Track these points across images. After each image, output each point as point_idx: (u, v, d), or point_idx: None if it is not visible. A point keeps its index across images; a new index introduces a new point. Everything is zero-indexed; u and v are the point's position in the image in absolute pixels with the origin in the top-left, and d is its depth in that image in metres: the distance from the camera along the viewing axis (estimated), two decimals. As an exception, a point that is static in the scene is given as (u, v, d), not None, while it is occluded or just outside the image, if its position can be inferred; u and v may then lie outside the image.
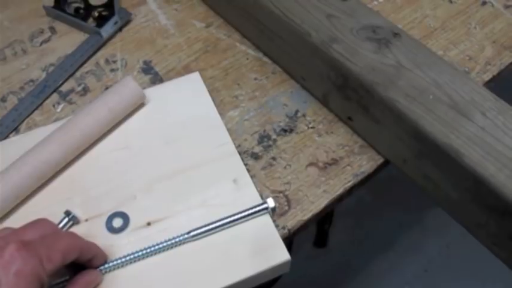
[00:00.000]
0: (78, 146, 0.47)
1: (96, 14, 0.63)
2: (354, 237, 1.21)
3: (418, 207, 1.22)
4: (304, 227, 0.49)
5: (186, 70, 0.58)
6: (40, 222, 0.40)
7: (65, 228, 0.44)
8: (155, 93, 0.52)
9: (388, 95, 0.46)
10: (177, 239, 0.43)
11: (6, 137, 0.54)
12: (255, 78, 0.58)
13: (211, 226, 0.43)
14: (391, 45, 0.50)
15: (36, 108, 0.57)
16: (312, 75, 0.54)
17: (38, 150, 0.46)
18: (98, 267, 0.42)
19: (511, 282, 1.12)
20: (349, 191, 0.51)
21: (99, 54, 0.61)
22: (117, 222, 0.45)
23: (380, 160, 0.52)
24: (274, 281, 1.07)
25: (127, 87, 0.49)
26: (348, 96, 0.51)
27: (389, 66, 0.48)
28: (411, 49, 0.49)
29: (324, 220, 1.16)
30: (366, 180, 0.51)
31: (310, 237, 1.22)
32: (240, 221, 0.44)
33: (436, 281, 1.12)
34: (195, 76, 0.53)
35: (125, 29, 0.63)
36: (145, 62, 0.60)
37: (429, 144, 0.45)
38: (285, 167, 0.51)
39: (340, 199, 0.50)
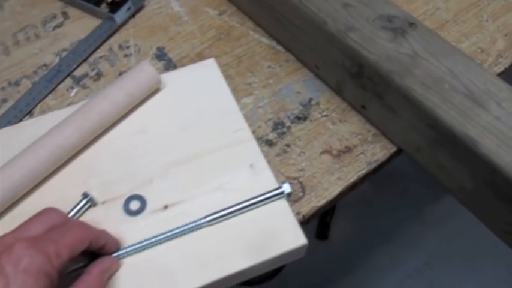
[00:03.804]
0: (95, 130, 0.47)
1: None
2: (355, 230, 1.21)
3: (419, 202, 1.22)
4: (317, 213, 0.49)
5: (200, 57, 0.58)
6: (47, 213, 0.40)
7: (82, 210, 0.45)
8: (171, 79, 0.52)
9: (405, 84, 0.47)
10: (194, 223, 0.43)
11: (20, 120, 0.55)
12: (269, 66, 0.58)
13: (228, 210, 0.44)
14: (407, 35, 0.50)
15: (50, 92, 0.57)
16: (326, 63, 0.54)
17: (54, 134, 0.46)
18: (111, 253, 0.42)
19: (510, 276, 1.13)
20: (362, 179, 0.51)
21: (112, 39, 0.61)
22: (135, 205, 0.45)
23: (393, 149, 0.52)
24: (276, 272, 1.08)
25: (144, 71, 0.49)
26: (362, 84, 0.51)
27: (405, 55, 0.48)
28: (426, 39, 0.50)
29: (326, 212, 1.17)
30: (379, 169, 0.52)
31: (311, 229, 1.22)
32: (256, 205, 0.44)
33: (436, 274, 1.13)
34: (211, 62, 0.53)
35: (137, 16, 0.63)
36: (158, 49, 0.60)
37: (445, 132, 0.45)
38: (299, 154, 0.51)
39: (353, 187, 0.51)
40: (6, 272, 0.33)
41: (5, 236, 0.37)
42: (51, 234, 0.37)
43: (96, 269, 0.40)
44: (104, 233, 0.42)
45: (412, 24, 0.51)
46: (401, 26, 0.51)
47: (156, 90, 0.51)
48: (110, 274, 0.42)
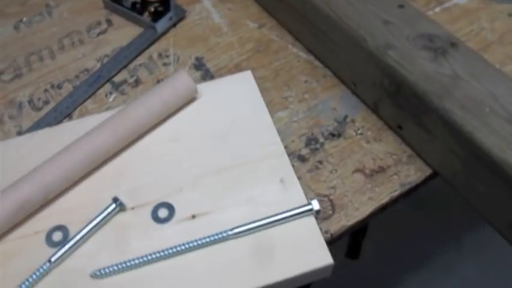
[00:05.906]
0: (130, 135, 0.48)
1: (152, 9, 0.64)
2: (388, 251, 1.19)
3: (456, 228, 1.19)
4: (347, 233, 0.48)
5: (237, 68, 0.59)
6: None
7: (111, 214, 0.45)
8: (207, 89, 0.52)
9: (444, 106, 0.45)
10: (220, 235, 0.43)
11: (60, 122, 0.56)
12: (305, 81, 0.57)
13: (255, 224, 0.43)
14: (448, 55, 0.49)
15: (90, 96, 0.58)
16: (363, 81, 0.54)
17: (90, 137, 0.47)
18: None
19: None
20: (395, 201, 0.50)
21: (152, 48, 0.62)
22: (163, 213, 0.45)
23: (428, 171, 0.51)
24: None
25: (180, 80, 0.50)
26: (400, 104, 0.50)
27: (445, 76, 0.47)
28: (468, 60, 0.48)
29: (358, 231, 1.15)
30: (413, 191, 0.51)
31: (342, 248, 1.20)
32: (284, 220, 0.44)
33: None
34: (247, 74, 0.54)
35: (178, 25, 0.64)
36: (197, 58, 0.60)
37: (483, 158, 0.43)
38: (331, 171, 0.51)
39: (385, 208, 0.49)
40: None
41: None
42: None
43: None
44: None
45: (453, 45, 0.50)
46: (443, 46, 0.49)
47: (192, 100, 0.52)
48: None
